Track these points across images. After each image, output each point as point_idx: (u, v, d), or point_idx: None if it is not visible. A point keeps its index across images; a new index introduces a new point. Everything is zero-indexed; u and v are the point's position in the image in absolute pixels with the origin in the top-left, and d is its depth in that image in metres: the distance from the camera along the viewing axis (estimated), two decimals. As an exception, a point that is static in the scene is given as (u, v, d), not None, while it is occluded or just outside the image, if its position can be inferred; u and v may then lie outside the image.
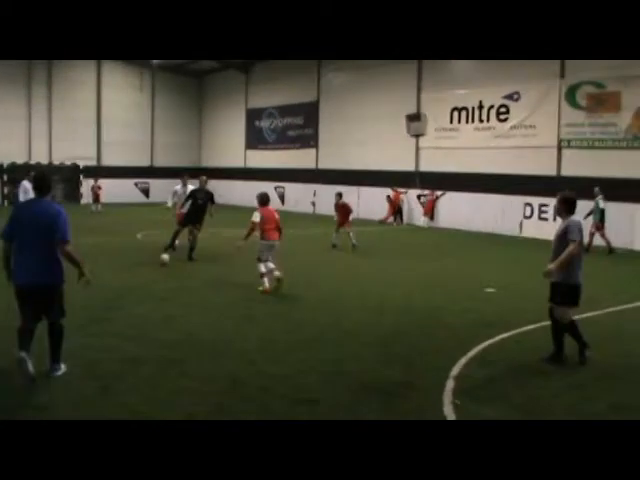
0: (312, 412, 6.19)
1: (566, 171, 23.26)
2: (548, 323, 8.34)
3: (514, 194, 24.11)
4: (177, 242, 15.62)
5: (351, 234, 18.37)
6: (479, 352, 8.32)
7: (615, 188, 20.76)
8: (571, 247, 7.64)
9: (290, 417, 6.00)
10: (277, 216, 12.17)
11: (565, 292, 7.82)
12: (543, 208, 23.18)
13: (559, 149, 23.53)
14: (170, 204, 17.16)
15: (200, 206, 15.41)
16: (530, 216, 23.78)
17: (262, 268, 11.87)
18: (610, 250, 19.23)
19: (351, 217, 18.85)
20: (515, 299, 11.96)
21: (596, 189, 19.41)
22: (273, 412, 6.14)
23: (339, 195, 19.19)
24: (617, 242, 19.96)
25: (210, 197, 15.63)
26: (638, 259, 18.82)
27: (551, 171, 23.64)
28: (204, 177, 16.21)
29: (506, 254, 19.07)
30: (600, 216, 19.30)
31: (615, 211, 20.36)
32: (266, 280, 11.84)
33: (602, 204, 19.27)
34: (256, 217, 11.86)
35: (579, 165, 22.66)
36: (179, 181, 17.57)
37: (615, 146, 21.85)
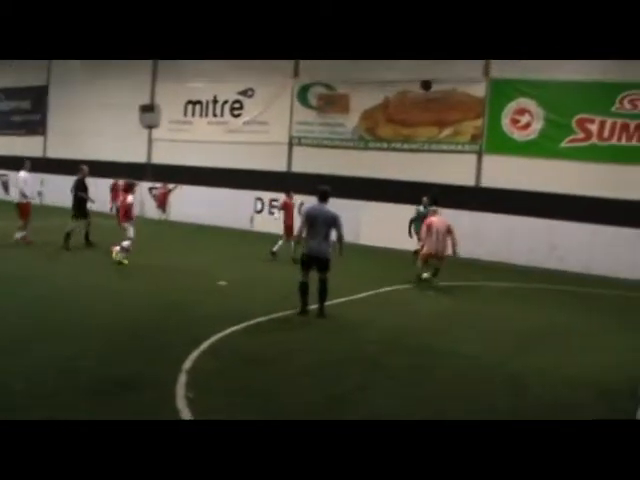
0: (50, 409, 5.81)
1: (296, 167, 24.45)
2: (277, 315, 9.82)
3: (246, 188, 24.74)
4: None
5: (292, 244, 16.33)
6: (211, 344, 8.49)
7: (342, 185, 22.19)
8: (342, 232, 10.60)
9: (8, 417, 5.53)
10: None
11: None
12: (274, 203, 24.01)
13: (290, 146, 24.64)
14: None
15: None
16: (261, 210, 24.55)
17: None
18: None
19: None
20: (246, 292, 12.38)
21: (424, 198, 18.45)
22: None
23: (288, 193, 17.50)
24: (346, 237, 21.22)
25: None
26: (364, 252, 20.28)
27: (282, 167, 24.68)
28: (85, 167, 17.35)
29: (238, 247, 19.51)
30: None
31: (342, 208, 21.63)
32: None
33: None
34: None
35: (309, 162, 23.90)
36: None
37: (343, 145, 23.41)
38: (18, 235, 16.68)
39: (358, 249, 20.89)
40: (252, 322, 9.91)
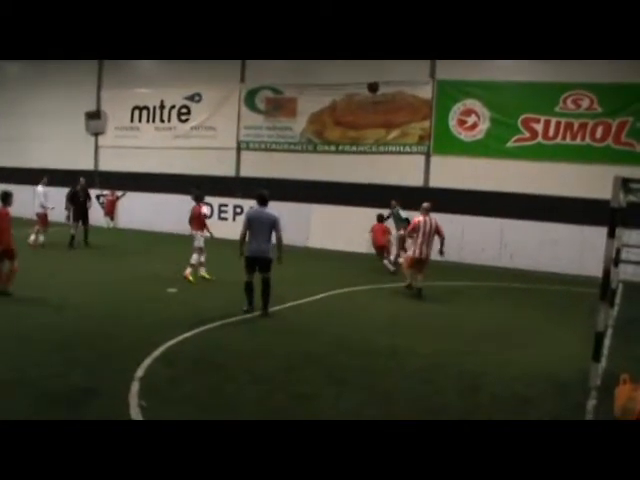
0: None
1: (245, 172, 24.37)
2: (229, 321, 10.12)
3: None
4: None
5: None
6: (163, 352, 8.46)
7: (292, 189, 22.29)
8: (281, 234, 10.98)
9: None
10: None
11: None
12: (223, 208, 23.93)
13: (238, 150, 24.55)
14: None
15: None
16: (210, 216, 24.29)
17: None
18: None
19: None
20: (197, 299, 12.36)
21: (393, 201, 18.89)
22: None
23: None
24: (295, 240, 21.30)
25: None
26: (315, 255, 20.31)
27: (230, 172, 24.58)
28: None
29: (188, 254, 19.17)
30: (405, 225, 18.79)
31: (292, 211, 21.79)
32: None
33: (404, 214, 18.54)
34: None
35: (257, 166, 23.87)
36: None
37: (291, 149, 23.42)
38: (33, 238, 19.01)
39: (309, 252, 21.01)
40: (203, 328, 9.92)
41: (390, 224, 18.63)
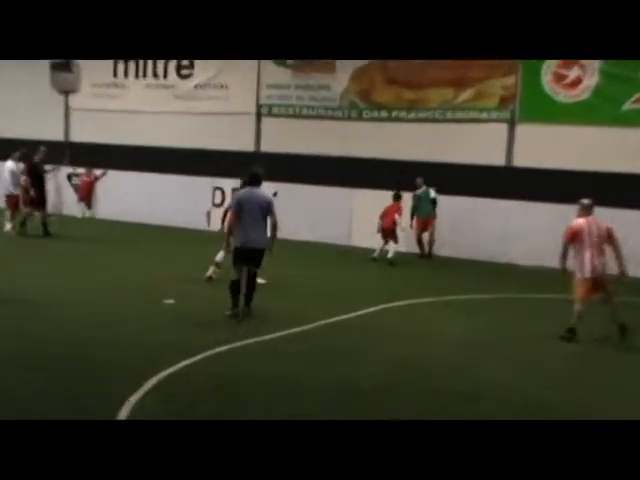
0: None
1: (267, 146, 24.15)
2: (241, 344, 10.40)
3: (200, 175, 24.41)
4: None
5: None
6: (158, 383, 8.55)
7: (326, 169, 22.00)
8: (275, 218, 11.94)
9: None
10: None
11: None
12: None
13: (258, 117, 24.34)
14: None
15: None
16: (221, 203, 24.06)
17: None
18: (428, 254, 20.74)
19: None
20: (201, 312, 12.47)
21: (419, 180, 20.64)
22: None
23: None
24: (333, 236, 20.99)
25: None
26: (357, 257, 19.99)
27: (248, 146, 24.38)
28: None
29: (190, 254, 19.19)
30: (433, 208, 20.74)
31: (328, 198, 21.47)
32: None
33: (434, 194, 20.57)
34: None
35: (283, 138, 23.62)
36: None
37: (328, 115, 23.11)
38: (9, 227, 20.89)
39: (351, 252, 20.78)
40: (209, 353, 9.95)
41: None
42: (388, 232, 19.31)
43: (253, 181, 12.09)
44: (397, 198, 19.70)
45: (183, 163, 24.70)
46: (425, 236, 20.66)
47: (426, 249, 20.70)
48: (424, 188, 20.44)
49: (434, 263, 19.74)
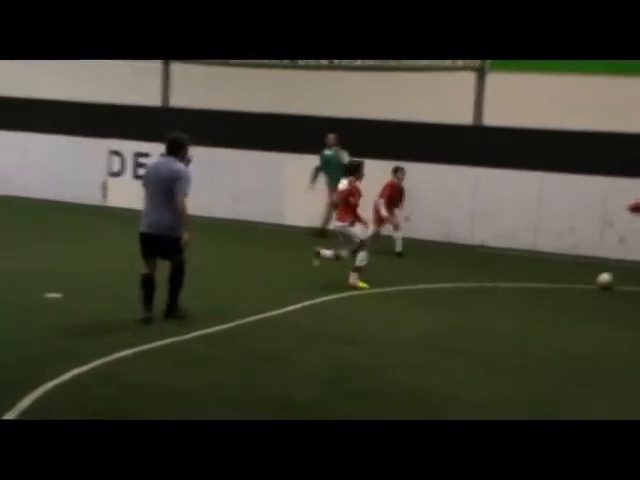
0: None
1: (178, 100, 24.08)
2: (148, 347, 10.39)
3: (91, 136, 24.13)
4: None
5: None
6: (35, 402, 8.36)
7: (255, 130, 21.89)
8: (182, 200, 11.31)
9: None
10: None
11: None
12: (141, 160, 23.42)
13: (166, 63, 24.32)
14: None
15: None
16: (120, 173, 23.81)
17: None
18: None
19: None
20: (93, 310, 12.36)
21: (330, 137, 20.61)
22: None
23: None
24: (262, 213, 20.89)
25: None
26: (291, 239, 19.98)
27: (153, 99, 24.34)
28: None
29: (80, 236, 19.21)
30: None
31: (258, 165, 21.37)
32: None
33: (346, 159, 19.98)
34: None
35: (198, 91, 23.47)
36: None
37: (257, 63, 22.78)
38: None
39: (284, 233, 21.12)
40: (109, 358, 9.86)
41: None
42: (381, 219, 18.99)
43: (169, 148, 11.72)
44: (397, 172, 19.36)
45: (66, 120, 24.41)
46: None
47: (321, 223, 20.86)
48: (334, 149, 20.56)
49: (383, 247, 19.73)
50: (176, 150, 11.66)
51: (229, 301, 13.35)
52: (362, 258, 14.96)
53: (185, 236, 11.41)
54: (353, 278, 14.85)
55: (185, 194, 11.39)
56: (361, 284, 14.97)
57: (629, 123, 19.31)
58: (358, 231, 15.08)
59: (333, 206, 17.57)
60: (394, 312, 13.50)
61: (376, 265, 15.51)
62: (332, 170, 20.23)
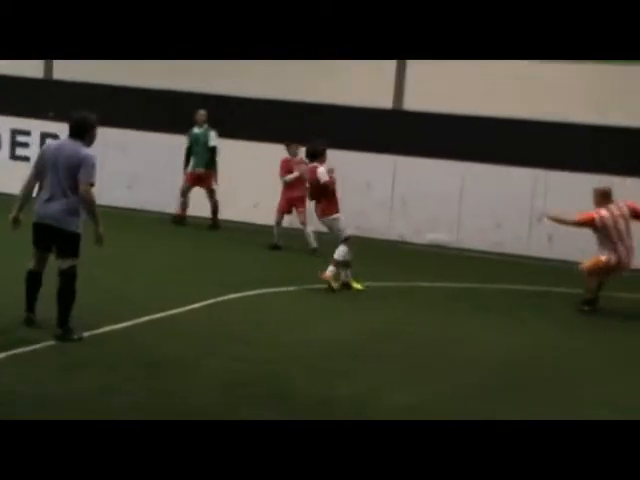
0: None
1: (63, 72, 23.45)
2: (21, 350, 10.21)
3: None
4: None
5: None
6: None
7: (153, 106, 22.01)
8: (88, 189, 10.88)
9: None
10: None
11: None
12: (21, 139, 23.27)
13: None
14: None
15: None
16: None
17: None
18: (214, 223, 20.81)
19: None
20: None
21: (201, 112, 20.54)
22: None
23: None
24: (163, 202, 20.88)
25: None
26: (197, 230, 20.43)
27: (36, 70, 23.71)
28: None
29: None
30: (209, 160, 20.68)
31: (160, 149, 21.61)
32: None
33: (214, 140, 20.37)
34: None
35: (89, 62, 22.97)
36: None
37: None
38: None
39: (187, 222, 21.04)
40: None
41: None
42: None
43: (74, 131, 11.20)
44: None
45: None
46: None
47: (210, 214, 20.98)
48: (204, 127, 20.61)
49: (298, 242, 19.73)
50: (82, 133, 11.13)
51: (120, 297, 13.22)
52: (345, 252, 15.09)
53: (100, 230, 10.99)
54: (330, 272, 14.94)
55: (91, 183, 10.92)
56: (356, 284, 15.28)
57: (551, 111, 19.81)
58: (344, 224, 15.25)
59: (310, 198, 16.80)
60: (305, 313, 13.75)
61: (291, 262, 15.57)
62: (199, 151, 20.47)
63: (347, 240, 15.18)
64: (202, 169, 20.49)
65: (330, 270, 14.94)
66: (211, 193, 20.64)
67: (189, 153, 20.65)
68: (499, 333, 13.09)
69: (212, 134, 20.50)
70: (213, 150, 20.61)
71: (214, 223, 20.74)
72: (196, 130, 20.55)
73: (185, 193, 20.64)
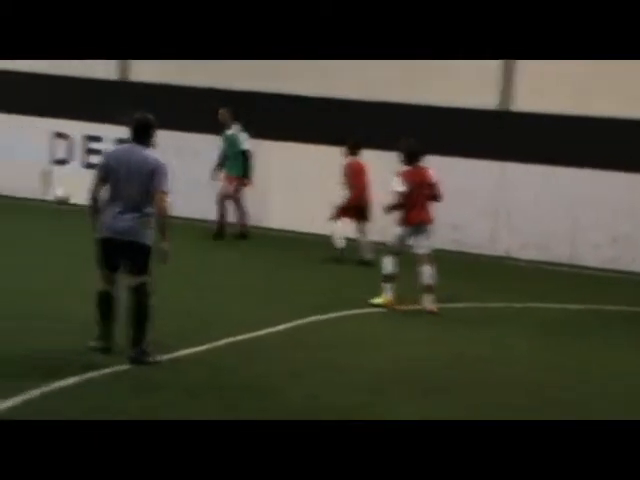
0: None
1: (140, 74, 24.07)
2: (97, 374, 10.10)
3: (29, 114, 24.09)
4: None
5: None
6: None
7: (238, 106, 21.92)
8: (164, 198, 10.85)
9: None
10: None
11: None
12: (93, 146, 23.56)
13: None
14: None
15: None
16: (64, 161, 23.74)
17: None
18: (242, 233, 20.89)
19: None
20: (19, 332, 11.84)
21: (222, 112, 20.58)
22: None
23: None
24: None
25: None
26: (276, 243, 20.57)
27: (110, 73, 24.23)
28: None
29: (12, 239, 18.72)
30: (243, 166, 20.73)
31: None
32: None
33: (245, 143, 20.38)
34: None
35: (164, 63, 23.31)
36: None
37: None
38: None
39: (268, 237, 21.40)
40: (37, 392, 9.47)
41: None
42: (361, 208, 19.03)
43: (138, 133, 11.12)
44: (354, 149, 19.21)
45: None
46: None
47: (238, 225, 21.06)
48: (235, 129, 20.67)
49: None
50: (148, 136, 11.13)
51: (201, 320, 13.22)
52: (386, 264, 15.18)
53: (165, 246, 10.90)
54: (430, 302, 14.91)
55: (166, 192, 10.84)
56: (378, 300, 15.13)
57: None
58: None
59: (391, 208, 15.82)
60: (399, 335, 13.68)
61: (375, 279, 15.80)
62: (232, 155, 20.60)
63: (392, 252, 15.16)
64: (234, 174, 20.68)
65: (429, 300, 14.83)
66: (237, 201, 20.81)
67: (223, 158, 20.82)
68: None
69: (244, 135, 20.57)
70: (245, 155, 20.65)
71: (242, 232, 20.89)
72: (228, 133, 20.69)
73: (222, 203, 20.75)
